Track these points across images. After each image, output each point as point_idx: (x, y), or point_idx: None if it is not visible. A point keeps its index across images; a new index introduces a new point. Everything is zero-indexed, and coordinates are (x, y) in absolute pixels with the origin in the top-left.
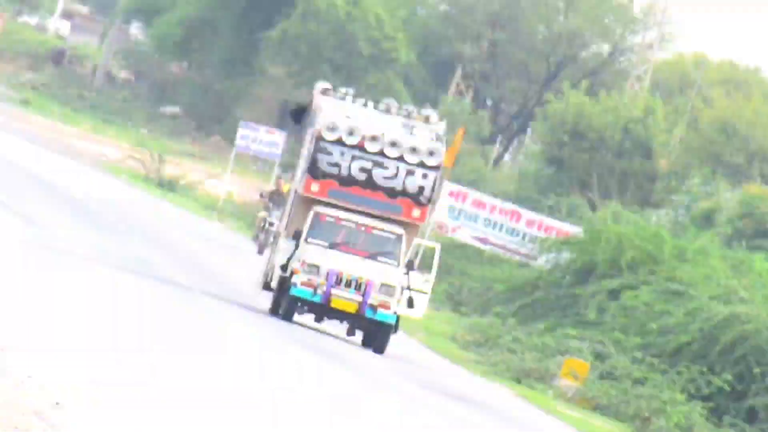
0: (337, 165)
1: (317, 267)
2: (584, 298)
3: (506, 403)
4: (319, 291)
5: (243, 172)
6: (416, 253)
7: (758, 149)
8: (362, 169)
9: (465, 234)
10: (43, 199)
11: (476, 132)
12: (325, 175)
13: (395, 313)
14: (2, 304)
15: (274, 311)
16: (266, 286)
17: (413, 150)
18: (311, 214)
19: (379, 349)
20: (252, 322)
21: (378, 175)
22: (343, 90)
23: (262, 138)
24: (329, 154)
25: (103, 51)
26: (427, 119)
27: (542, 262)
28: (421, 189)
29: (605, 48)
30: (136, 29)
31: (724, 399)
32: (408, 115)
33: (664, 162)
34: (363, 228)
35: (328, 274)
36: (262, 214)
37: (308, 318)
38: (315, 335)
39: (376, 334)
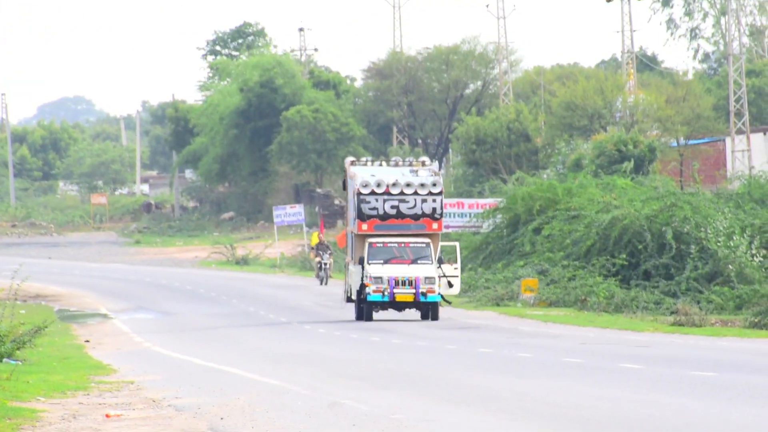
0: (375, 208)
1: (381, 278)
2: (519, 240)
3: (495, 319)
4: (386, 293)
5: (284, 237)
6: (442, 251)
7: (593, 112)
8: (392, 207)
9: None
10: (168, 296)
11: None
12: (369, 217)
13: (439, 293)
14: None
15: (358, 317)
16: (348, 300)
17: (422, 185)
18: (367, 244)
19: (435, 317)
20: (349, 327)
21: (403, 207)
22: (363, 159)
23: (289, 212)
24: (368, 202)
25: (174, 194)
26: (423, 164)
27: (486, 227)
28: (434, 209)
29: (479, 84)
30: (189, 173)
31: (626, 271)
32: (410, 164)
33: (539, 140)
34: (403, 245)
35: (389, 280)
36: (317, 259)
37: (381, 315)
38: (388, 323)
39: (429, 310)
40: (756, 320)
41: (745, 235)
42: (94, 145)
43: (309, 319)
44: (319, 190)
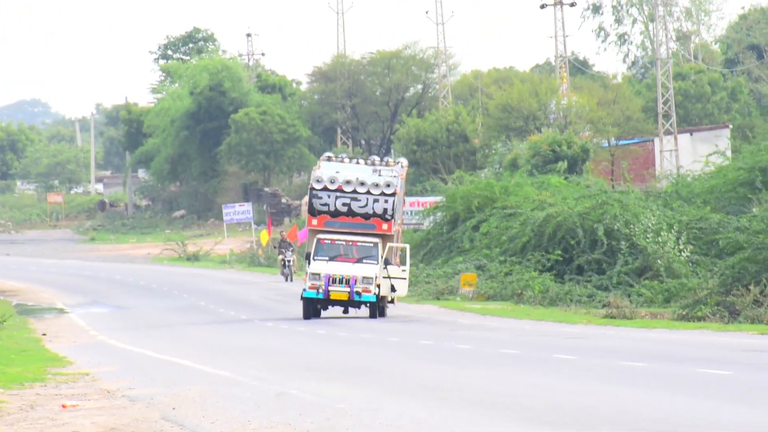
0: (326, 204)
1: (318, 274)
2: (458, 236)
3: (436, 313)
4: (320, 290)
5: (234, 235)
6: (392, 253)
7: (529, 114)
8: (344, 204)
9: None
10: (122, 291)
11: None
12: (320, 212)
13: (375, 294)
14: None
15: (306, 316)
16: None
17: (376, 185)
18: (315, 240)
19: (374, 315)
20: (297, 321)
21: (355, 206)
22: (340, 155)
23: (238, 210)
24: (320, 198)
25: (127, 193)
26: (388, 164)
27: (427, 224)
28: (385, 210)
29: (419, 87)
30: (142, 173)
31: (560, 266)
32: (377, 164)
33: (477, 140)
34: (350, 243)
35: (325, 277)
36: (280, 257)
37: (331, 312)
38: (331, 321)
39: (370, 309)
40: (683, 312)
41: (672, 231)
42: (51, 146)
43: (258, 314)
44: (266, 189)
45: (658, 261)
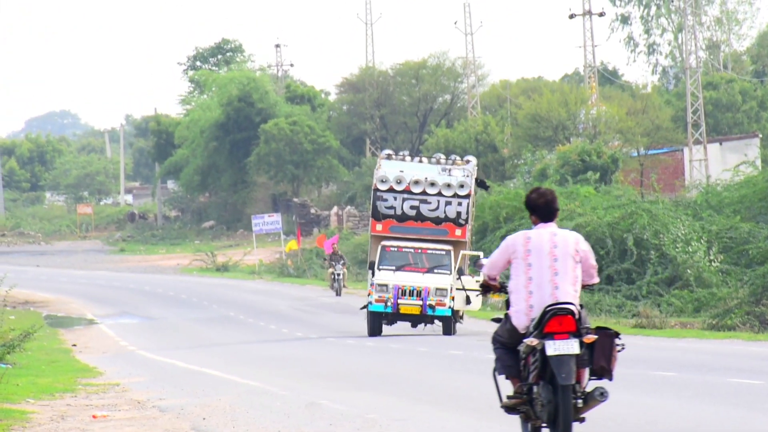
0: (392, 207)
1: (386, 285)
2: (487, 246)
3: (466, 323)
4: (389, 303)
5: (263, 245)
6: (464, 262)
7: (558, 124)
8: (412, 207)
9: None
10: (151, 302)
11: None
12: (385, 216)
13: (450, 307)
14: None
15: (371, 333)
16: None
17: (448, 186)
18: (379, 248)
19: (447, 332)
20: (325, 331)
21: (424, 209)
22: (400, 153)
23: (267, 221)
24: (385, 200)
25: (157, 204)
26: (456, 162)
27: None
28: (459, 214)
29: (447, 97)
30: (171, 184)
31: None
32: (444, 162)
33: (506, 150)
34: (420, 251)
35: (394, 288)
36: (330, 270)
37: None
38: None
39: (444, 324)
40: (713, 322)
41: (702, 241)
42: (80, 158)
43: (287, 324)
44: (296, 199)
45: (688, 270)
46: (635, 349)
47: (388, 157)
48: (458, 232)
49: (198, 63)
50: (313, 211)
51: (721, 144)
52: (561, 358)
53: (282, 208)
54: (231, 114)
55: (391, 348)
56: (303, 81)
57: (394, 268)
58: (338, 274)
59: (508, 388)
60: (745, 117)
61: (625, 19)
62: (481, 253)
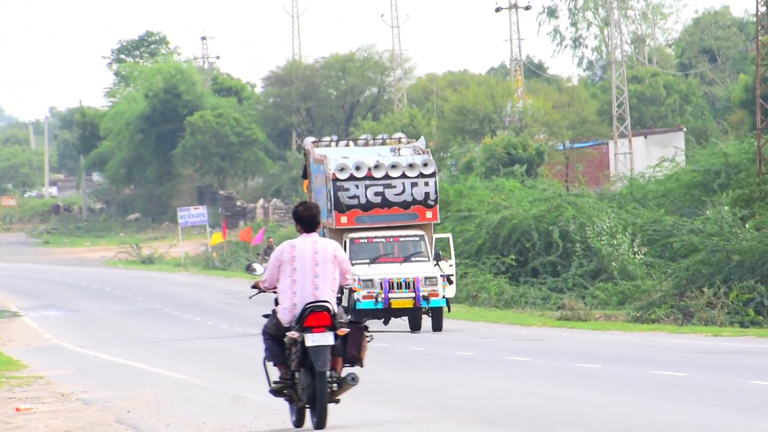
0: (356, 196)
1: (371, 280)
2: None
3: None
4: (379, 299)
5: (188, 238)
6: (438, 245)
7: (484, 117)
8: (376, 194)
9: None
10: (76, 294)
11: None
12: (349, 207)
13: (444, 297)
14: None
15: None
16: None
17: (410, 166)
18: (347, 241)
19: (438, 328)
20: (250, 323)
21: (390, 194)
22: (326, 139)
23: (193, 213)
24: (347, 190)
25: (82, 196)
26: (399, 140)
27: None
28: (427, 194)
29: (374, 90)
30: (96, 176)
31: (515, 269)
32: (383, 142)
33: (432, 143)
34: (391, 239)
35: (382, 282)
36: (265, 265)
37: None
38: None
39: (432, 318)
40: (638, 314)
41: (627, 233)
42: (4, 149)
43: (213, 317)
44: (221, 191)
45: (613, 263)
46: (560, 342)
47: (316, 144)
48: (429, 214)
49: (122, 55)
50: (239, 203)
51: (646, 137)
52: (318, 349)
53: (208, 200)
54: (157, 106)
55: None
56: (230, 74)
57: (368, 261)
58: None
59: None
60: (669, 110)
61: (551, 12)
62: (449, 235)
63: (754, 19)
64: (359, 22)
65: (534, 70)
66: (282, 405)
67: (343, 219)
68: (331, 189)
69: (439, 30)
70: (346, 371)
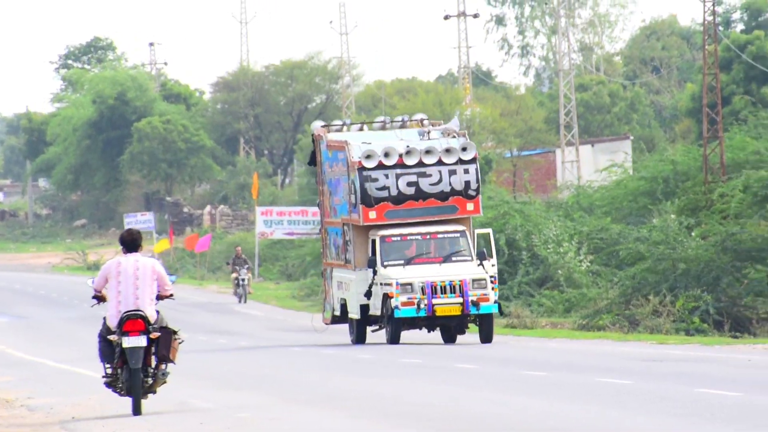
0: (385, 187)
1: (410, 284)
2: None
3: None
4: (422, 305)
5: None
6: (480, 242)
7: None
8: (409, 184)
9: (279, 234)
10: (21, 300)
11: (264, 172)
12: (379, 200)
13: (496, 302)
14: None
15: (359, 340)
16: (335, 320)
17: (447, 151)
18: (378, 240)
19: (488, 338)
20: (199, 330)
21: (425, 184)
22: (338, 122)
23: (139, 219)
24: (375, 180)
25: (28, 202)
26: (421, 122)
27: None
28: (468, 183)
29: (323, 97)
30: (43, 182)
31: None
32: (402, 124)
33: None
34: (428, 236)
35: (423, 287)
36: (234, 275)
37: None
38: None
39: (480, 326)
40: (584, 322)
41: (573, 241)
42: None
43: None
44: (168, 198)
45: (559, 271)
46: (506, 349)
47: (327, 129)
48: (470, 206)
49: (70, 61)
50: (186, 210)
51: (593, 146)
52: (132, 350)
53: (155, 206)
54: (105, 112)
55: (264, 347)
56: (178, 80)
57: (402, 262)
58: (242, 279)
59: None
60: (615, 119)
61: (499, 21)
62: (490, 231)
63: (701, 28)
64: (308, 29)
65: (482, 78)
66: (229, 412)
67: (372, 214)
68: (356, 179)
69: (388, 37)
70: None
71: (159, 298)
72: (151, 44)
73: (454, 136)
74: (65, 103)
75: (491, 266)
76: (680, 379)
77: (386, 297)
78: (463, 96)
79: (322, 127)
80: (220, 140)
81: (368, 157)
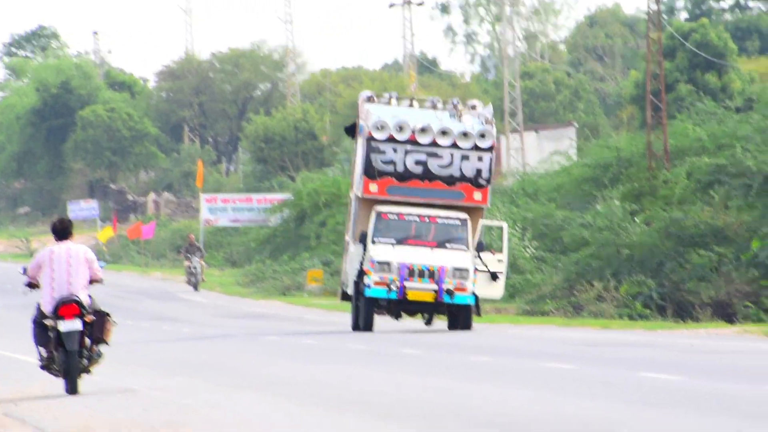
0: (392, 162)
1: (388, 264)
2: (305, 233)
3: (281, 309)
4: (392, 287)
5: (80, 231)
6: (484, 234)
7: None
8: (417, 162)
9: (224, 221)
10: None
11: (209, 160)
12: (382, 174)
13: (473, 293)
14: None
15: (356, 326)
16: (344, 296)
17: (464, 135)
18: (373, 214)
19: (467, 326)
20: (144, 317)
21: (434, 164)
22: (386, 95)
23: (83, 207)
24: (382, 153)
25: None
26: (473, 107)
27: (275, 221)
28: (479, 171)
29: (268, 85)
30: None
31: None
32: (454, 107)
33: (325, 138)
34: (427, 219)
35: (399, 268)
36: (186, 263)
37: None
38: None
39: (457, 317)
40: (528, 308)
41: (517, 227)
42: None
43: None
44: (112, 185)
45: None
46: (451, 335)
47: (369, 100)
48: (477, 195)
49: (14, 49)
50: (130, 197)
51: (537, 132)
52: (69, 333)
53: (99, 194)
54: (48, 100)
55: (206, 334)
56: (122, 69)
57: (394, 241)
58: (194, 267)
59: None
60: (560, 106)
61: (444, 9)
62: (504, 224)
63: (645, 16)
64: (253, 17)
65: (427, 66)
66: (172, 399)
67: (373, 187)
68: (364, 150)
69: (333, 25)
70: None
71: (91, 282)
72: (95, 33)
73: (485, 123)
74: (8, 92)
75: (497, 261)
76: (624, 364)
77: (362, 274)
78: (408, 84)
79: (368, 98)
80: (164, 128)
81: (380, 128)
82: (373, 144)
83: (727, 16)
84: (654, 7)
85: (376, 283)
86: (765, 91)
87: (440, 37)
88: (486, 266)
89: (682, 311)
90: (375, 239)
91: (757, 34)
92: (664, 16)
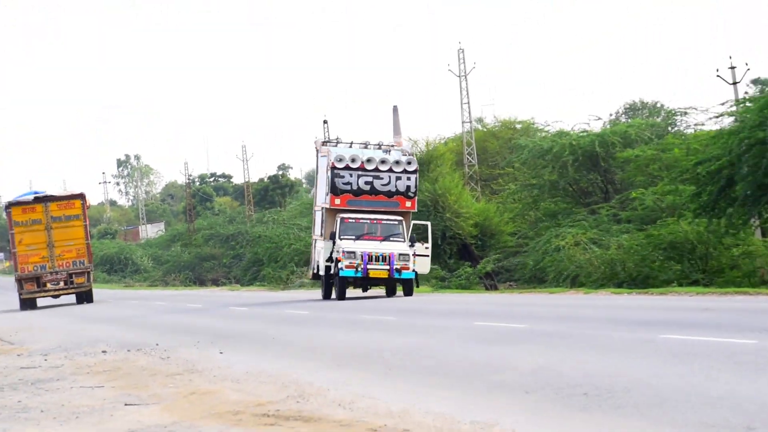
0: (349, 183)
1: (354, 252)
2: None
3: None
4: (359, 269)
5: None
6: (413, 231)
7: None
8: (366, 182)
9: None
10: None
11: None
12: (342, 191)
13: (413, 271)
14: None
15: (326, 295)
16: (315, 276)
17: (397, 163)
18: (339, 220)
19: (409, 294)
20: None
21: (378, 184)
22: (333, 139)
23: None
24: (342, 177)
25: None
26: (391, 146)
27: None
28: (408, 187)
29: None
30: None
31: None
32: (380, 146)
33: None
34: (375, 221)
35: (362, 255)
36: None
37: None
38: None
39: (404, 287)
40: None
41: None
42: None
43: None
44: None
45: None
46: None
47: (324, 143)
48: (408, 203)
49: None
50: None
51: None
52: None
53: None
54: None
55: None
56: None
57: (354, 237)
58: None
59: None
60: None
61: None
62: (428, 223)
63: None
64: None
65: None
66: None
67: (337, 201)
68: (329, 175)
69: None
70: None
71: None
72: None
73: (405, 155)
74: None
75: (424, 248)
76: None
77: (336, 261)
78: None
79: (322, 142)
80: None
81: (340, 160)
82: (335, 171)
83: None
84: None
85: (347, 266)
86: None
87: None
88: (416, 253)
89: None
90: (341, 237)
91: None
92: None
